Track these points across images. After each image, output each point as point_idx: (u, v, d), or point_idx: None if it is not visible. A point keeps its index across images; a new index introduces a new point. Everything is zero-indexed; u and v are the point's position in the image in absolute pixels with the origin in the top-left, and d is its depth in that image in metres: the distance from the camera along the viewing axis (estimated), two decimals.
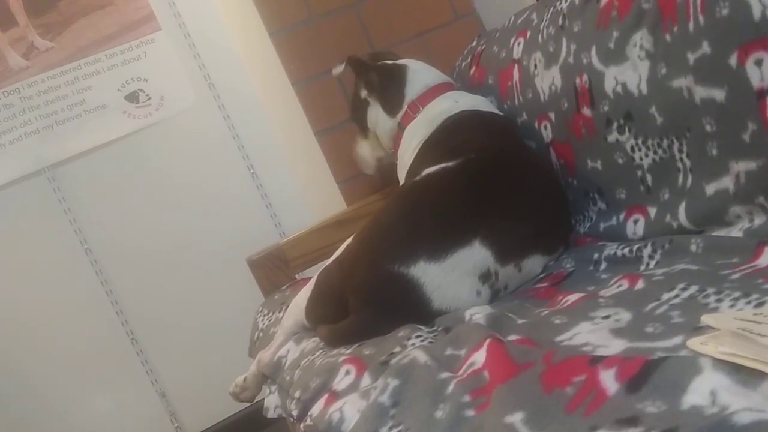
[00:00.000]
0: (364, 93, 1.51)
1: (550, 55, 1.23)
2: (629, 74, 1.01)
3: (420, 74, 1.47)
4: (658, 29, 0.95)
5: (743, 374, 0.53)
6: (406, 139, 1.40)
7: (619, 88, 1.04)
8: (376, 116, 1.50)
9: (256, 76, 2.35)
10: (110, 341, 2.35)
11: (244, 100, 2.44)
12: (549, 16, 1.27)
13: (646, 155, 1.03)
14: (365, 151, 1.61)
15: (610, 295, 0.89)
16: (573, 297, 0.93)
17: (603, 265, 1.05)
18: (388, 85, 1.47)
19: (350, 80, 1.57)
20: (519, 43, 1.38)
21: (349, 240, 1.24)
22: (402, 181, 1.42)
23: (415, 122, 1.40)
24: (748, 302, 0.68)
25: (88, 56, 2.35)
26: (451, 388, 0.77)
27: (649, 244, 0.97)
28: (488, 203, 1.13)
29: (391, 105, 1.46)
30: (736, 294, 0.70)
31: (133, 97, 2.38)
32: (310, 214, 2.30)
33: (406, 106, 1.43)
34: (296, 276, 1.82)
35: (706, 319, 0.66)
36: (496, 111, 1.41)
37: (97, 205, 2.36)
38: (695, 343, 0.61)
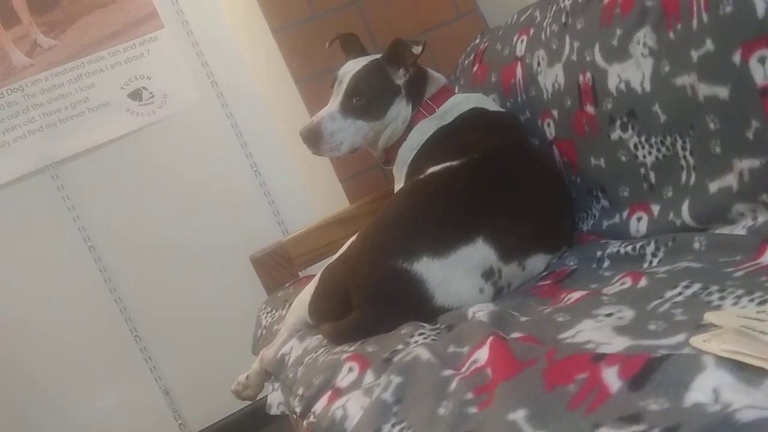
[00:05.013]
0: (400, 80, 1.40)
1: (553, 53, 1.23)
2: (632, 72, 1.01)
3: (435, 75, 1.46)
4: (661, 27, 0.95)
5: (746, 372, 0.53)
6: (414, 136, 1.40)
7: (622, 86, 1.04)
8: (399, 110, 1.40)
9: (259, 73, 2.36)
10: (113, 338, 2.36)
11: (247, 98, 2.45)
12: (552, 13, 1.27)
13: (650, 153, 1.03)
14: (349, 132, 1.37)
15: (613, 292, 0.89)
16: (576, 295, 0.93)
17: (606, 263, 1.05)
18: (416, 81, 1.41)
19: None
20: (522, 41, 1.38)
21: (354, 237, 1.24)
22: (399, 177, 1.42)
23: (427, 120, 1.40)
24: (752, 300, 0.68)
25: (92, 54, 2.35)
26: (453, 385, 0.77)
27: (653, 242, 0.97)
28: (492, 201, 1.13)
29: (414, 102, 1.41)
30: (740, 292, 0.70)
31: (136, 95, 2.38)
32: (313, 211, 2.31)
33: (421, 106, 1.41)
34: (299, 273, 1.82)
35: (709, 316, 0.66)
36: (502, 109, 1.41)
37: (101, 202, 2.36)
38: (698, 340, 0.61)
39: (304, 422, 1.00)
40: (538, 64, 1.29)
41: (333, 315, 1.20)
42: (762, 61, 0.79)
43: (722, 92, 0.85)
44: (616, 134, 1.08)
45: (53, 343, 2.31)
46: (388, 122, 1.40)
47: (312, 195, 2.42)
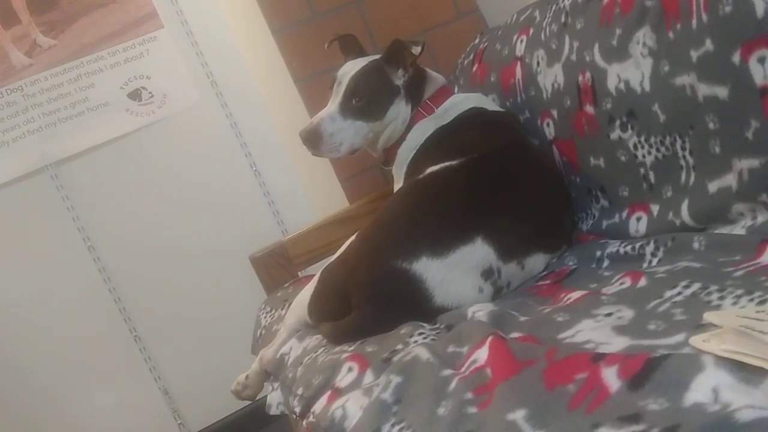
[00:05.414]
0: (399, 81, 1.40)
1: (552, 53, 1.23)
2: (632, 72, 1.01)
3: (434, 75, 1.46)
4: (661, 26, 0.95)
5: (746, 372, 0.53)
6: (413, 136, 1.40)
7: (621, 86, 1.04)
8: (398, 110, 1.41)
9: (259, 73, 2.36)
10: (113, 338, 2.36)
11: (246, 98, 2.44)
12: (552, 13, 1.27)
13: (649, 153, 1.03)
14: (349, 133, 1.37)
15: (612, 292, 0.89)
16: (575, 294, 0.93)
17: (605, 263, 1.05)
18: (415, 81, 1.42)
19: None
20: (522, 41, 1.38)
21: (353, 237, 1.24)
22: (398, 177, 1.42)
23: (426, 120, 1.40)
24: (751, 300, 0.68)
25: (91, 54, 2.35)
26: (453, 385, 0.77)
27: (652, 242, 0.97)
28: (491, 201, 1.13)
29: (413, 102, 1.41)
30: (739, 291, 0.70)
31: (135, 95, 2.38)
32: (313, 211, 2.31)
33: (420, 106, 1.41)
34: (299, 273, 1.82)
35: (708, 316, 0.66)
36: (501, 109, 1.41)
37: (100, 202, 2.36)
38: (698, 340, 0.61)
39: (304, 422, 1.00)
40: (538, 64, 1.29)
41: (332, 315, 1.20)
42: (761, 60, 0.79)
43: (722, 92, 0.85)
44: (615, 134, 1.08)
45: (52, 342, 2.31)
46: (388, 123, 1.41)
47: (311, 195, 2.42)
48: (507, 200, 1.15)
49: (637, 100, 1.02)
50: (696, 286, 0.76)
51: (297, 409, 1.05)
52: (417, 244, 1.09)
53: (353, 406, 0.85)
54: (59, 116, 2.32)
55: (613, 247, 1.05)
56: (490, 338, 0.80)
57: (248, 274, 1.84)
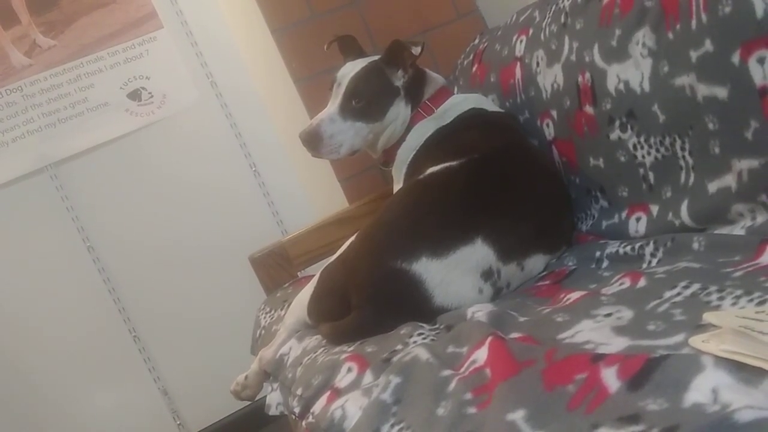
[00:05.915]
0: (399, 81, 1.40)
1: (552, 53, 1.23)
2: (632, 72, 1.01)
3: (433, 76, 1.46)
4: (660, 27, 0.95)
5: (745, 372, 0.53)
6: (413, 137, 1.40)
7: (621, 86, 1.04)
8: (398, 111, 1.41)
9: (258, 74, 2.36)
10: (112, 339, 2.36)
11: (246, 98, 2.45)
12: (551, 13, 1.27)
13: (649, 153, 1.03)
14: (349, 134, 1.37)
15: (612, 293, 0.89)
16: (575, 295, 0.93)
17: (605, 263, 1.05)
18: (415, 82, 1.42)
19: None
20: (521, 41, 1.38)
21: (353, 238, 1.24)
22: (398, 178, 1.42)
23: (426, 121, 1.40)
24: (750, 300, 0.68)
25: (91, 54, 2.35)
26: (452, 385, 0.77)
27: (651, 242, 0.97)
28: (491, 202, 1.13)
29: (413, 103, 1.41)
30: (738, 292, 0.70)
31: (135, 95, 2.38)
32: (312, 211, 2.31)
33: (420, 107, 1.41)
34: (298, 274, 1.82)
35: (708, 317, 0.66)
36: (500, 110, 1.41)
37: (100, 203, 2.36)
38: (697, 341, 0.61)
39: (303, 423, 0.99)
40: (537, 64, 1.29)
41: (332, 315, 1.20)
42: (761, 61, 0.79)
43: (721, 92, 0.85)
44: (615, 134, 1.08)
45: (52, 342, 2.31)
46: (388, 123, 1.41)
47: (311, 195, 2.42)
48: (507, 201, 1.15)
49: (636, 100, 1.02)
50: (695, 287, 0.76)
51: (296, 410, 1.05)
52: (417, 245, 1.09)
53: (353, 407, 0.85)
54: (59, 116, 2.32)
55: (613, 247, 1.05)
56: (490, 339, 0.80)
57: (248, 274, 1.84)
